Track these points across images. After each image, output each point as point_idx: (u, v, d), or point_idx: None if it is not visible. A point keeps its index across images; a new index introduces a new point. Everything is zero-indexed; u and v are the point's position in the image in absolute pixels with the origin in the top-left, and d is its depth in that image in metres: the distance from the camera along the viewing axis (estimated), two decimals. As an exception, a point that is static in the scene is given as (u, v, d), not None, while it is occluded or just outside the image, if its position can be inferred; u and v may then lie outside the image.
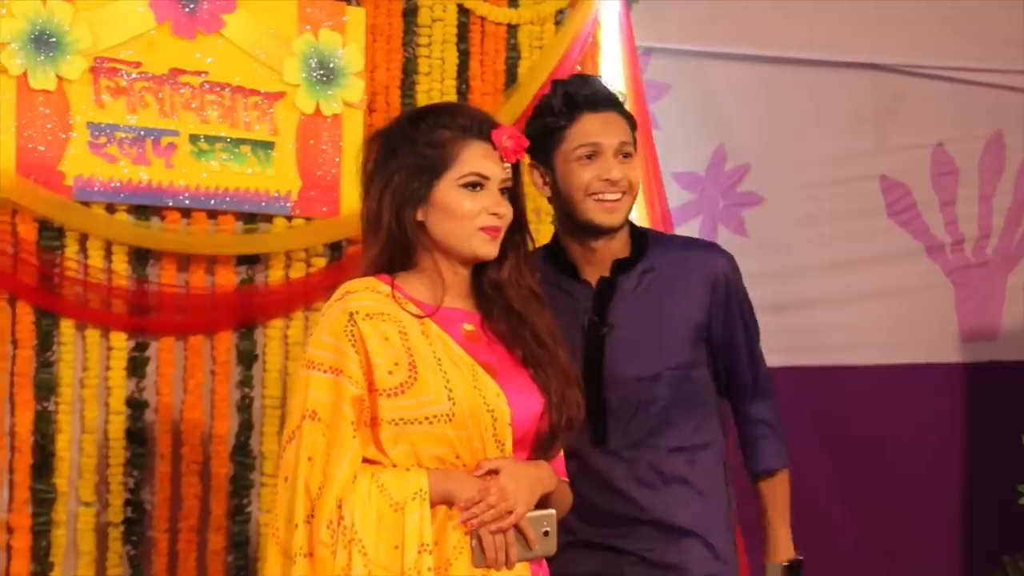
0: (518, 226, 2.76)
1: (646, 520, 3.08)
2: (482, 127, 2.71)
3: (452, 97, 4.46)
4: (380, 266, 2.71)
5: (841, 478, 5.36)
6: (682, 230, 4.93)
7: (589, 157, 3.03)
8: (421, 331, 2.66)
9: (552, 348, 2.74)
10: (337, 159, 4.28)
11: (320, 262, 4.28)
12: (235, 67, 4.15)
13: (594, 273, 3.10)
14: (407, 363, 2.62)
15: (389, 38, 4.42)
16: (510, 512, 2.60)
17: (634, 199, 3.09)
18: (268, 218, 4.22)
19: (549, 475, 2.72)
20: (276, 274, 4.23)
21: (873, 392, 5.39)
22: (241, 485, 4.17)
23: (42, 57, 3.88)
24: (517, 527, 2.62)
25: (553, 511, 2.69)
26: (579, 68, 4.68)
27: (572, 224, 3.11)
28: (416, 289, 2.72)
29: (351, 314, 2.63)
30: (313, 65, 4.24)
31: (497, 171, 2.69)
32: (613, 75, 4.70)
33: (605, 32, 4.73)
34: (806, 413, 5.25)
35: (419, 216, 2.67)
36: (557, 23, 4.66)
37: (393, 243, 2.69)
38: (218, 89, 4.13)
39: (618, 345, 3.05)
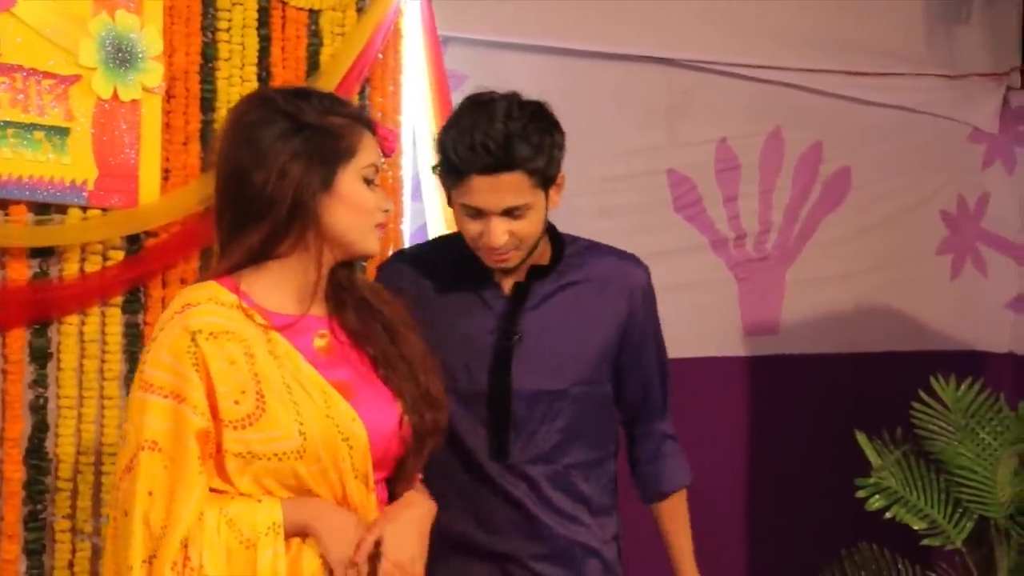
0: None
1: (545, 536, 3.00)
2: (364, 117, 2.59)
3: (253, 84, 4.31)
4: (252, 258, 2.54)
5: (624, 472, 5.39)
6: (481, 222, 4.88)
7: (475, 216, 2.92)
8: (268, 350, 2.49)
9: (404, 335, 2.63)
10: (136, 147, 4.09)
11: (118, 255, 4.07)
12: (27, 49, 3.92)
13: (508, 279, 2.99)
14: (254, 391, 2.45)
15: (188, 21, 4.23)
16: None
17: (532, 244, 2.98)
18: (63, 208, 4.00)
19: (424, 503, 2.62)
20: (71, 268, 4.02)
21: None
22: (35, 490, 3.95)
23: None
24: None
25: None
26: (381, 57, 4.59)
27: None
28: (266, 294, 2.55)
29: (193, 334, 2.46)
30: (109, 48, 4.04)
31: (380, 165, 2.58)
32: (415, 64, 4.63)
33: (407, 20, 4.65)
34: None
35: (321, 206, 2.52)
36: (359, 10, 4.54)
37: (279, 232, 2.52)
38: (9, 71, 3.89)
39: (526, 356, 2.95)
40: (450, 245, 3.11)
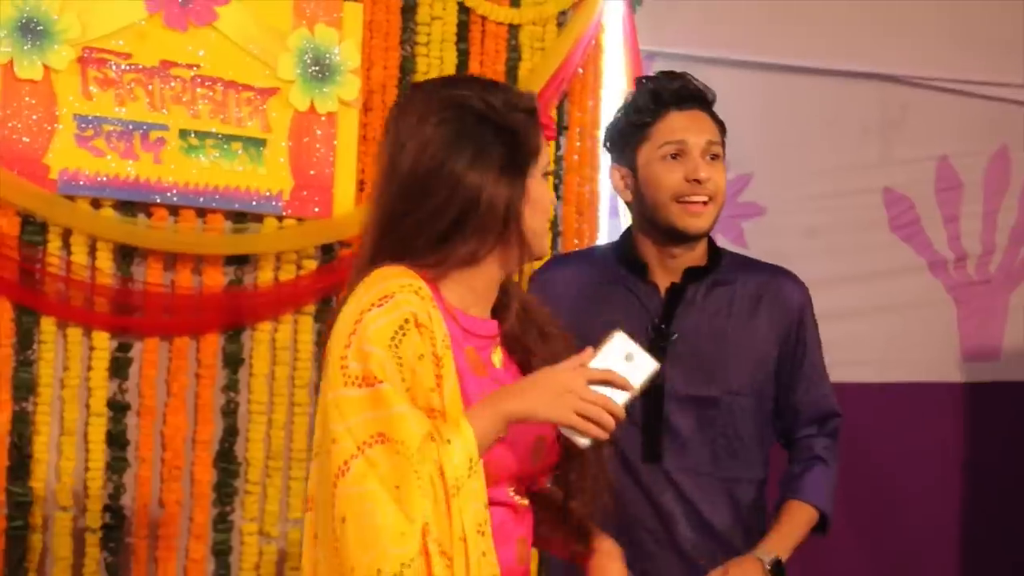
0: None
1: (679, 551, 2.92)
2: (535, 107, 2.48)
3: (450, 98, 4.35)
4: (460, 265, 2.36)
5: (839, 499, 5.23)
6: (682, 239, 4.83)
7: (674, 157, 2.86)
8: (452, 361, 2.31)
9: (556, 340, 2.53)
10: (331, 158, 4.17)
11: (311, 264, 4.17)
12: (228, 61, 4.04)
13: (665, 278, 2.92)
14: (436, 392, 2.28)
15: (387, 35, 4.31)
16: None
17: (720, 207, 2.92)
18: (259, 218, 4.12)
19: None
20: (265, 276, 4.12)
21: (872, 411, 5.27)
22: (224, 492, 4.07)
23: (28, 46, 3.79)
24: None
25: (618, 332, 2.31)
26: (581, 72, 4.58)
27: (652, 228, 2.92)
28: (458, 297, 2.39)
29: (404, 321, 2.26)
30: (308, 61, 4.13)
31: None
32: (615, 79, 4.62)
33: (608, 35, 4.64)
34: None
35: (523, 212, 2.36)
36: (560, 24, 4.55)
37: (494, 241, 2.34)
38: (210, 83, 4.02)
39: (681, 358, 2.87)
40: (601, 252, 3.08)
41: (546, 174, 2.44)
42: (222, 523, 4.06)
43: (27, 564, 3.81)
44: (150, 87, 3.94)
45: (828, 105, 5.19)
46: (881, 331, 5.31)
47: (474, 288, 2.40)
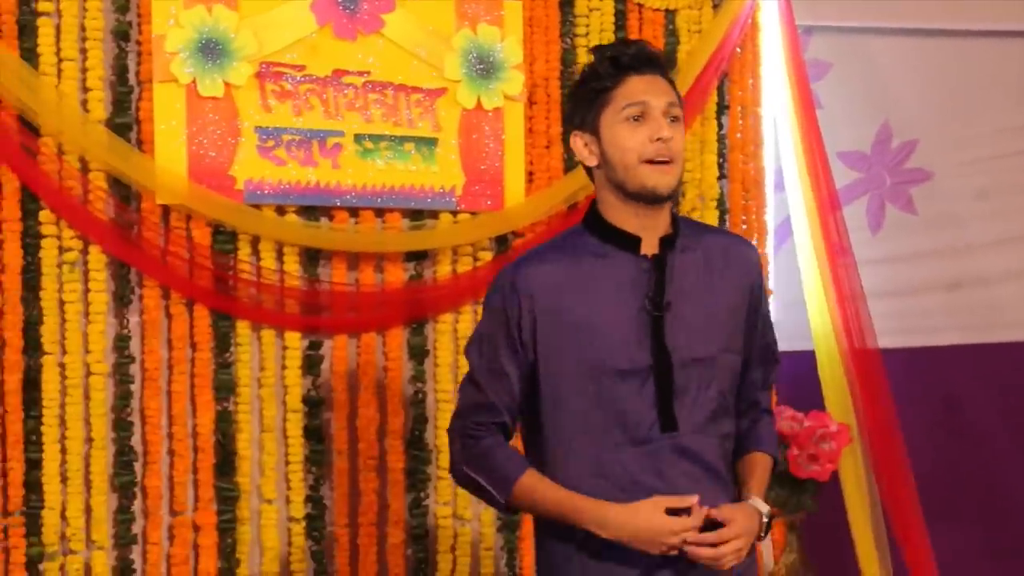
0: None
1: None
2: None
3: (612, 86, 4.46)
4: None
5: (990, 459, 5.23)
6: (849, 210, 4.86)
7: (636, 119, 2.88)
8: None
9: None
10: (500, 152, 4.31)
11: (486, 256, 4.31)
12: (396, 66, 4.20)
13: (648, 248, 2.94)
14: None
15: (547, 30, 4.42)
16: None
17: (682, 168, 2.94)
18: (434, 214, 4.27)
19: None
20: (444, 269, 4.27)
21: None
22: (417, 479, 4.22)
23: (210, 65, 3.97)
24: None
25: None
26: (739, 51, 4.65)
27: (624, 193, 2.92)
28: None
29: None
30: (473, 60, 4.27)
31: None
32: (774, 56, 4.68)
33: (764, 13, 4.70)
34: (987, 391, 5.16)
35: None
36: (715, 6, 4.62)
37: None
38: (380, 88, 4.18)
39: (677, 324, 2.90)
40: (567, 239, 3.05)
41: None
42: (417, 508, 4.22)
43: (238, 555, 4.01)
44: (324, 96, 4.11)
45: (990, 66, 5.17)
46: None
47: None
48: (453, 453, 2.95)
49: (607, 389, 2.83)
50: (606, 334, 2.83)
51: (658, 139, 2.86)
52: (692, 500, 2.76)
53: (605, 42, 4.41)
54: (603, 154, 2.91)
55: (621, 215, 2.93)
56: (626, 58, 2.92)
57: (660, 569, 2.81)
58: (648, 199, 2.89)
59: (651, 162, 2.87)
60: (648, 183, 2.87)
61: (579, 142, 2.96)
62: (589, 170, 2.97)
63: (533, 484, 2.83)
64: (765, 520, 2.89)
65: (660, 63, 2.95)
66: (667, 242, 2.93)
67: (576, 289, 2.88)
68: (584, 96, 2.95)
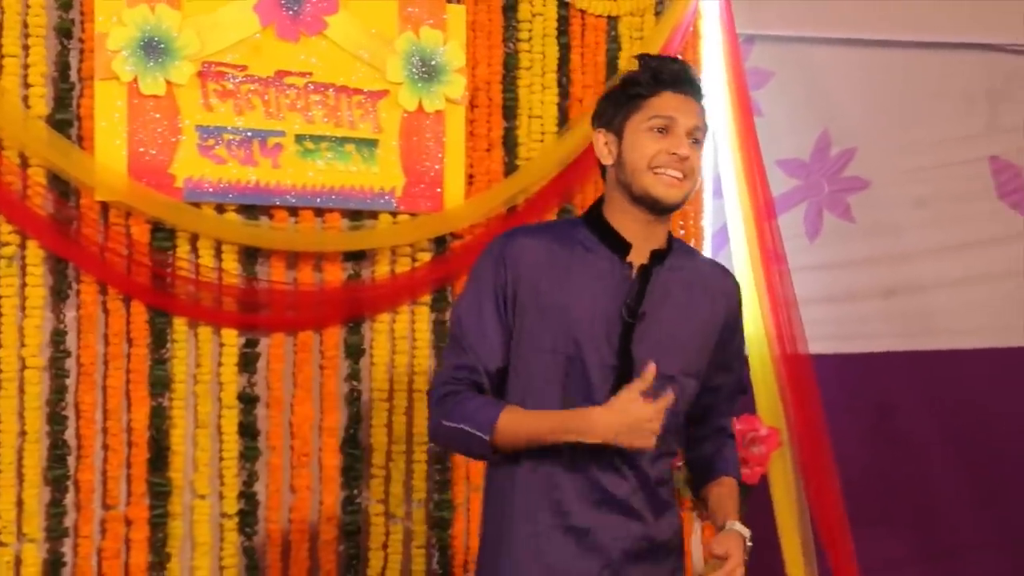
0: None
1: (637, 522, 3.02)
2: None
3: (553, 91, 4.51)
4: None
5: (958, 463, 5.31)
6: (787, 217, 4.94)
7: (661, 131, 2.96)
8: None
9: None
10: (440, 155, 4.34)
11: (425, 256, 4.35)
12: (339, 67, 4.23)
13: (637, 258, 3.02)
14: None
15: (490, 34, 4.46)
16: None
17: (693, 188, 3.01)
18: (373, 215, 4.30)
19: None
20: (382, 269, 4.31)
21: (987, 376, 5.32)
22: (351, 476, 4.26)
23: (152, 63, 4.00)
24: None
25: None
26: (680, 58, 4.69)
27: (629, 196, 3.00)
28: None
29: None
30: (415, 63, 4.31)
31: None
32: (714, 64, 4.72)
33: (706, 21, 4.74)
34: (920, 398, 5.23)
35: None
36: (657, 14, 4.67)
37: None
38: (322, 89, 4.21)
39: (646, 336, 2.98)
40: (563, 227, 3.16)
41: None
42: (350, 505, 4.26)
43: (169, 550, 4.05)
44: (266, 96, 4.15)
45: (931, 77, 5.24)
46: (994, 297, 5.33)
47: None
48: (431, 414, 3.01)
49: (574, 371, 2.95)
50: (578, 322, 2.91)
51: (675, 155, 2.94)
52: (651, 369, 2.84)
53: (547, 47, 4.50)
54: (620, 155, 3.01)
55: (621, 218, 3.03)
56: (667, 73, 3.01)
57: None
58: (649, 205, 2.98)
59: (660, 172, 2.94)
60: (653, 191, 2.96)
61: (600, 139, 3.06)
62: (603, 169, 3.07)
63: (514, 414, 2.91)
64: (749, 544, 3.02)
65: (697, 87, 3.04)
66: (657, 256, 3.00)
67: (556, 273, 2.98)
68: (617, 99, 3.04)
